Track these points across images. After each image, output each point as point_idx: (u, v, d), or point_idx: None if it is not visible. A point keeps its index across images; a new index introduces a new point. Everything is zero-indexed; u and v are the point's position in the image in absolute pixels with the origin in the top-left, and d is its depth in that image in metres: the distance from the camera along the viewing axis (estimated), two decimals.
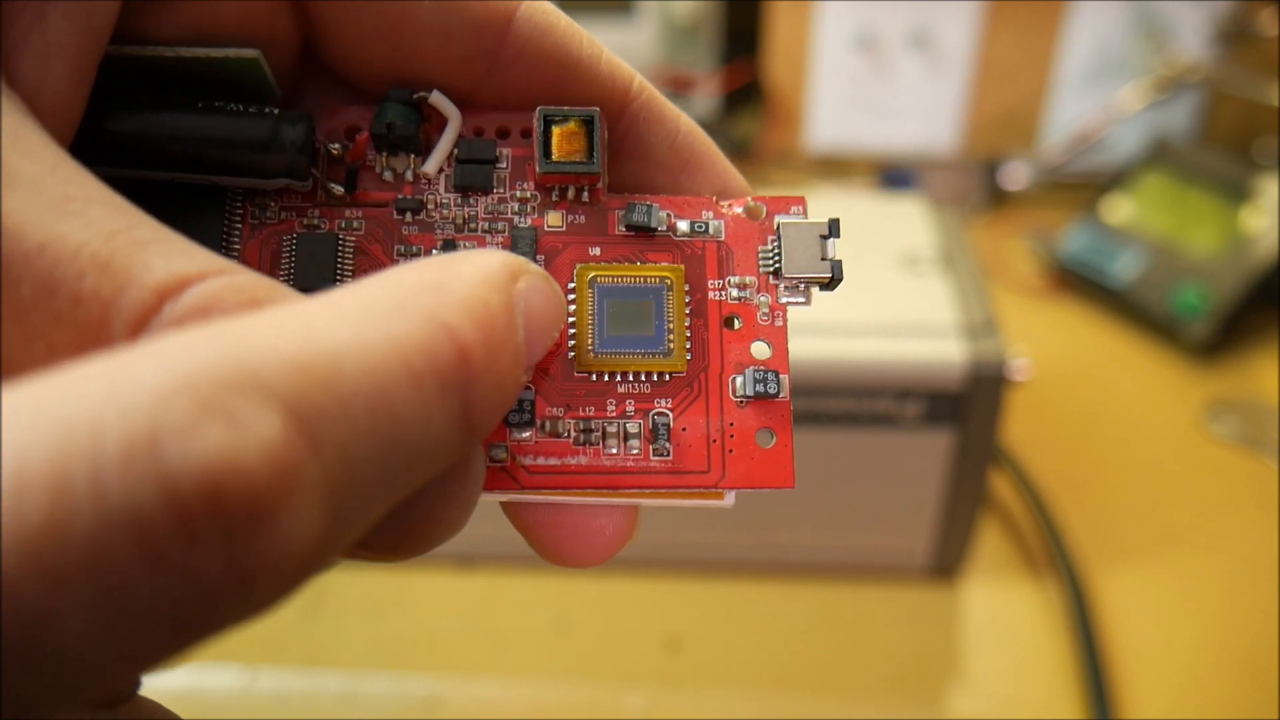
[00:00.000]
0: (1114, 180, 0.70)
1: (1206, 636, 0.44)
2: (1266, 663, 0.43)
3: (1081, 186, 0.74)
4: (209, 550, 0.10)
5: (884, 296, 0.43)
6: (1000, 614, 0.46)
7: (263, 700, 0.42)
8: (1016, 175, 0.76)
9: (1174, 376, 0.60)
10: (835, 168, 0.80)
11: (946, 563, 0.46)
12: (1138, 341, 0.63)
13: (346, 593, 0.47)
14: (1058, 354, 0.62)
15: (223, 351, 0.11)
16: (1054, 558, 0.47)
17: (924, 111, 0.79)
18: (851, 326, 0.41)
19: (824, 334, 0.40)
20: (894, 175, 0.78)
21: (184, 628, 0.10)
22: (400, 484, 0.12)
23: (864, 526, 0.45)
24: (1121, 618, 0.45)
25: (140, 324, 0.12)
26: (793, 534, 0.46)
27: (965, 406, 0.40)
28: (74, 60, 0.14)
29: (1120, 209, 0.68)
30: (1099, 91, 0.76)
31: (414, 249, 0.18)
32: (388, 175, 0.18)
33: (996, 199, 0.77)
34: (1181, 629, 0.45)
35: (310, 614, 0.46)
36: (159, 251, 0.13)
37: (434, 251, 0.18)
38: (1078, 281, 0.67)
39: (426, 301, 0.13)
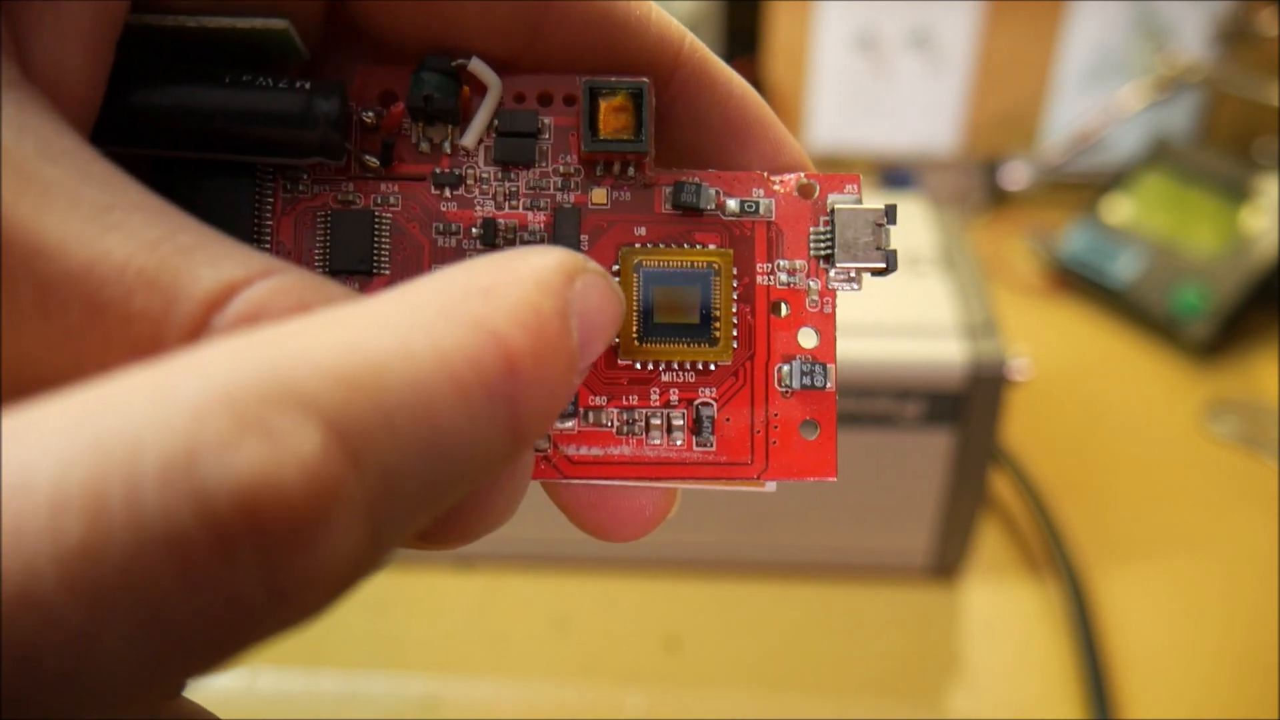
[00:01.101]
0: (1114, 180, 0.70)
1: (1206, 636, 0.44)
2: (1266, 663, 0.43)
3: (1081, 186, 0.74)
4: (246, 569, 0.10)
5: (884, 296, 0.43)
6: (1000, 614, 0.46)
7: (263, 700, 0.42)
8: (1016, 175, 0.76)
9: (1174, 376, 0.60)
10: (835, 167, 0.80)
11: (946, 563, 0.46)
12: (1138, 341, 0.63)
13: None
14: (1058, 354, 0.62)
15: (262, 363, 0.10)
16: (1054, 558, 0.47)
17: (924, 111, 0.78)
18: (851, 326, 0.41)
19: None
20: (894, 175, 0.78)
21: (221, 645, 0.10)
22: (445, 495, 0.12)
23: (864, 526, 0.45)
24: (1121, 618, 0.45)
25: (191, 338, 0.12)
26: (793, 534, 0.46)
27: (965, 406, 0.40)
28: (92, 42, 0.14)
29: (1120, 209, 0.68)
30: (1099, 91, 0.76)
31: (453, 226, 0.17)
32: (424, 146, 0.17)
33: (996, 199, 0.77)
34: (1181, 629, 0.45)
35: None
36: (204, 259, 0.13)
37: (473, 229, 0.17)
38: (1078, 281, 0.67)
39: (475, 308, 0.12)
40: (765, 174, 0.18)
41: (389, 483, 0.11)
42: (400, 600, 0.47)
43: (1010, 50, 0.76)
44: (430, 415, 0.11)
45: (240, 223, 0.16)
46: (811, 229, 0.17)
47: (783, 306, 0.17)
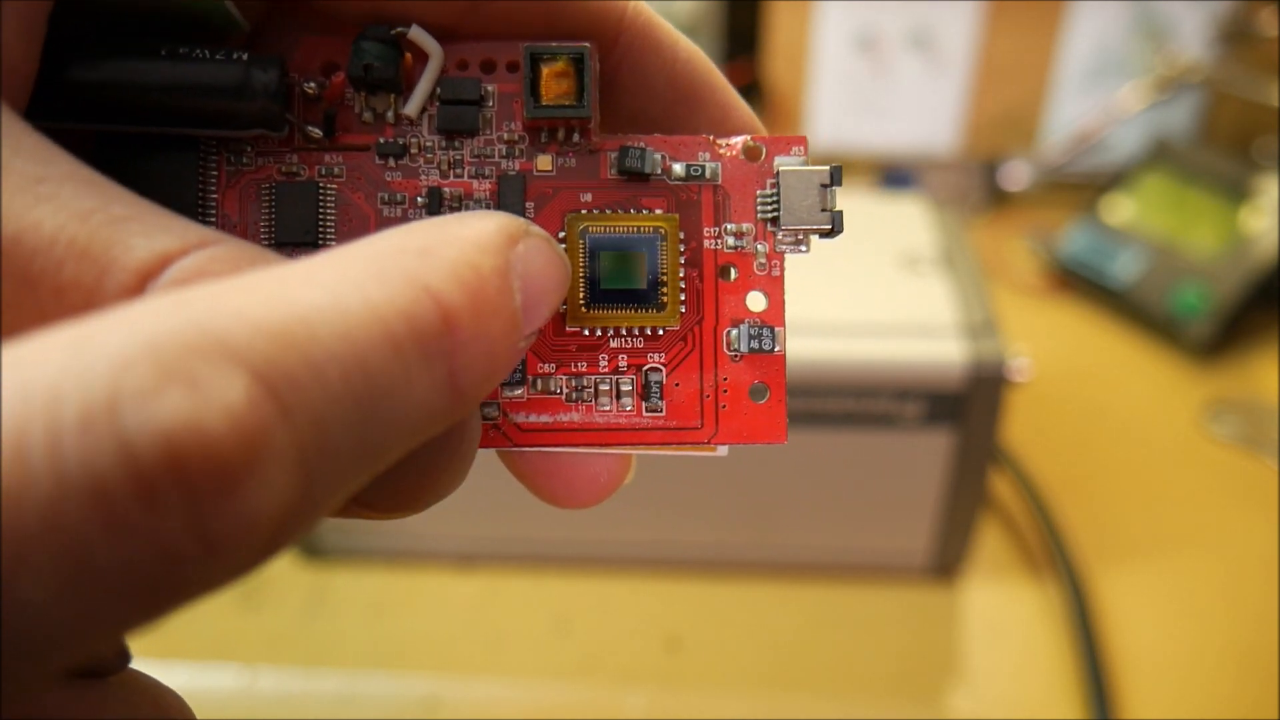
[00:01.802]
0: (1114, 180, 0.70)
1: (1206, 637, 0.44)
2: (1266, 663, 0.43)
3: (1081, 186, 0.74)
4: (171, 516, 0.10)
5: (884, 296, 0.43)
6: (1000, 614, 0.46)
7: (263, 700, 0.42)
8: (1016, 175, 0.76)
9: (1174, 376, 0.60)
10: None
11: (946, 563, 0.46)
12: (1138, 341, 0.63)
13: (346, 593, 0.47)
14: (1058, 354, 0.62)
15: (189, 316, 0.10)
16: (1054, 558, 0.47)
17: (924, 111, 0.78)
18: (851, 326, 0.41)
19: (824, 334, 0.40)
20: (894, 175, 0.78)
21: (150, 594, 0.10)
22: (383, 451, 0.12)
23: (864, 526, 0.45)
24: (1121, 618, 0.45)
25: None
26: (793, 534, 0.46)
27: (965, 406, 0.40)
28: (24, 15, 0.13)
29: (1120, 209, 0.68)
30: (1099, 91, 0.76)
31: (398, 196, 0.17)
32: (368, 116, 0.17)
33: (996, 199, 0.77)
34: (1181, 629, 0.45)
35: (310, 614, 0.46)
36: (138, 230, 0.12)
37: (418, 199, 0.17)
38: (1078, 281, 0.67)
39: (410, 265, 0.12)
40: (711, 137, 0.17)
41: (320, 434, 0.11)
42: (400, 600, 0.47)
43: (1010, 50, 0.76)
44: (362, 368, 0.11)
45: (185, 197, 0.16)
46: (758, 192, 0.17)
47: (731, 270, 0.17)
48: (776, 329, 0.17)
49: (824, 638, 0.45)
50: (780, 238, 0.17)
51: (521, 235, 0.14)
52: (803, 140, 0.17)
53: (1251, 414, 0.57)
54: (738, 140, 0.17)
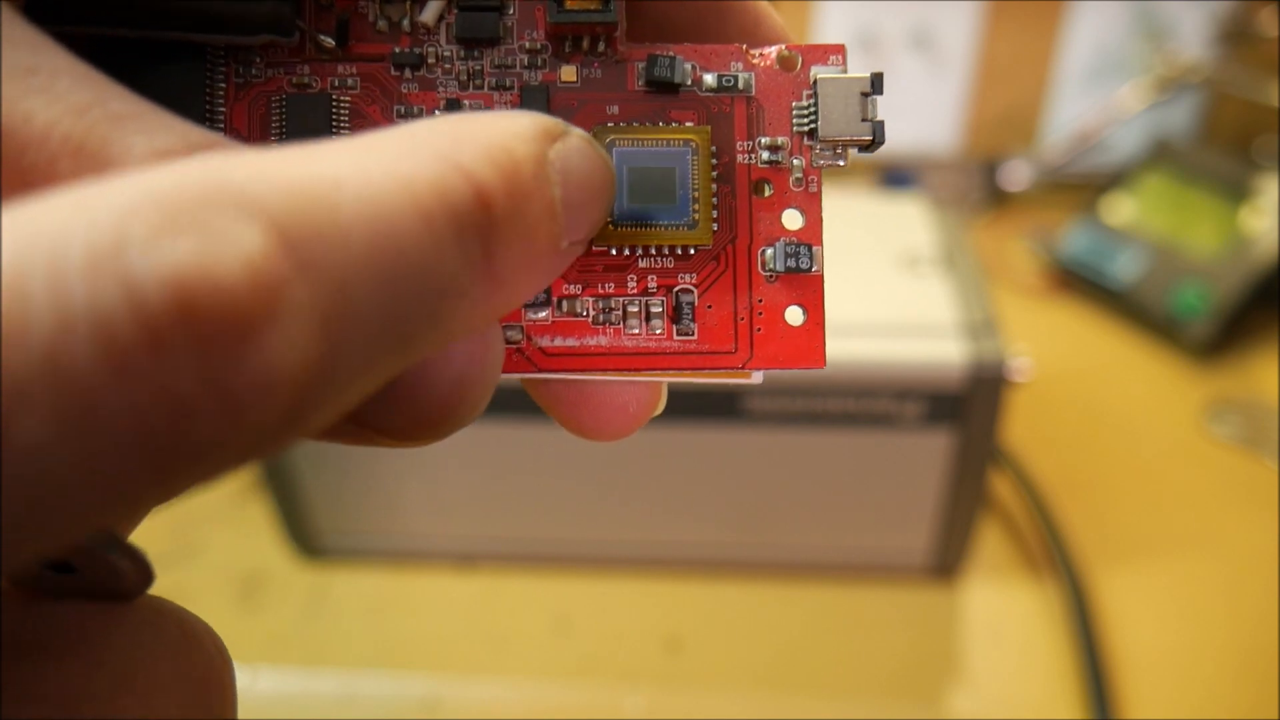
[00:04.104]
0: (1114, 180, 0.70)
1: (1206, 637, 0.44)
2: (1266, 663, 0.43)
3: (1081, 186, 0.74)
4: (183, 364, 0.09)
5: (884, 296, 0.43)
6: (1000, 614, 0.46)
7: (263, 700, 0.42)
8: (1016, 175, 0.76)
9: (1174, 376, 0.60)
10: (835, 167, 0.80)
11: (946, 563, 0.46)
12: (1138, 341, 0.63)
13: (346, 593, 0.47)
14: (1058, 354, 0.62)
15: (204, 171, 0.10)
16: (1054, 558, 0.47)
17: (924, 111, 0.78)
18: (851, 326, 0.41)
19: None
20: (894, 175, 0.78)
21: (162, 451, 0.09)
22: (415, 334, 0.11)
23: (864, 526, 0.45)
24: (1121, 618, 0.45)
25: None
26: (793, 534, 0.46)
27: (965, 407, 0.40)
28: None
29: (1120, 209, 0.68)
30: (1099, 91, 0.76)
31: (415, 109, 0.16)
32: (382, 24, 0.16)
33: (996, 199, 0.77)
34: (1181, 629, 0.45)
35: (310, 614, 0.46)
36: (137, 128, 0.12)
37: (436, 112, 0.16)
38: (1078, 282, 0.67)
39: (441, 145, 0.11)
40: (744, 47, 0.16)
41: (345, 298, 0.10)
42: (400, 600, 0.47)
43: (1010, 50, 0.76)
44: (389, 234, 0.10)
45: (191, 109, 0.16)
46: (794, 103, 0.16)
47: (765, 187, 0.16)
48: (814, 248, 0.16)
49: (824, 638, 0.45)
50: (818, 151, 0.16)
51: (560, 134, 0.13)
52: (841, 49, 0.17)
53: (1251, 414, 0.57)
54: (772, 50, 0.16)
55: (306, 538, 0.47)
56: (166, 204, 0.09)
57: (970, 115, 0.78)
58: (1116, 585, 0.46)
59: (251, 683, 0.43)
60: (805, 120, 0.16)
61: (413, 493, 0.46)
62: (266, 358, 0.09)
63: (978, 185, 0.77)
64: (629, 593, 0.47)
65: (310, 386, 0.10)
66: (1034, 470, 0.51)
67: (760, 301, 0.16)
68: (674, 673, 0.43)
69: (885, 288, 0.44)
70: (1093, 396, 0.59)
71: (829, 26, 0.76)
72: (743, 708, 0.42)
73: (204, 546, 0.48)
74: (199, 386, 0.09)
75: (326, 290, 0.10)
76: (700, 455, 0.43)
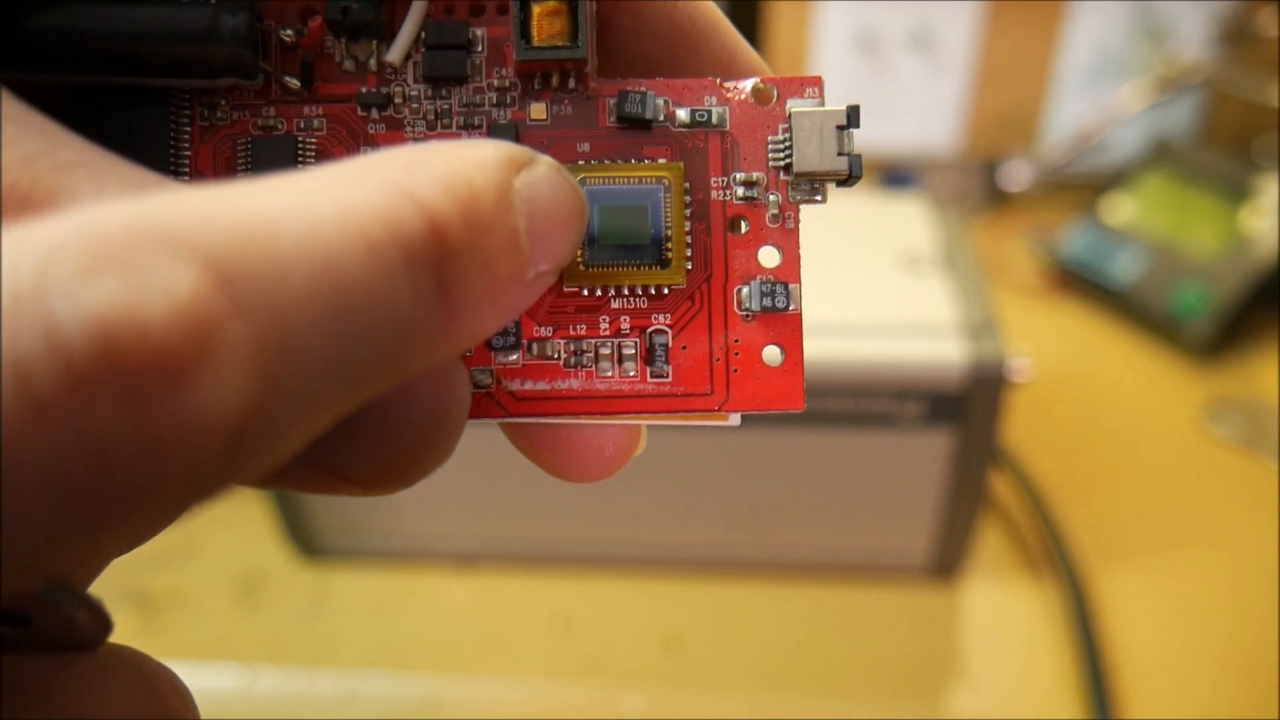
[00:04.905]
0: (1114, 180, 0.70)
1: (1206, 637, 0.44)
2: (1266, 663, 0.43)
3: (1081, 186, 0.74)
4: (104, 409, 0.09)
5: (884, 296, 0.43)
6: (1000, 614, 0.46)
7: (263, 700, 0.42)
8: (1016, 175, 0.76)
9: (1174, 376, 0.60)
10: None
11: (946, 563, 0.46)
12: (1138, 342, 0.63)
13: (346, 593, 0.47)
14: (1058, 354, 0.62)
15: (136, 210, 0.09)
16: (1054, 558, 0.47)
17: (924, 111, 0.78)
18: (851, 326, 0.41)
19: (823, 334, 0.40)
20: (894, 175, 0.78)
21: (86, 498, 0.09)
22: (366, 370, 0.11)
23: (864, 526, 0.45)
24: (1121, 618, 0.45)
25: None
26: (793, 534, 0.46)
27: (965, 407, 0.40)
28: None
29: (1120, 209, 0.68)
30: (1099, 91, 0.76)
31: (382, 149, 0.16)
32: (349, 65, 0.16)
33: (996, 199, 0.77)
34: (1181, 629, 0.45)
35: (310, 614, 0.46)
36: (86, 175, 0.11)
37: None
38: (1078, 282, 0.67)
39: (392, 174, 0.11)
40: (718, 80, 0.16)
41: (284, 337, 0.10)
42: (400, 600, 0.47)
43: (1010, 50, 0.76)
44: (332, 268, 0.10)
45: (157, 152, 0.15)
46: (769, 138, 0.16)
47: (741, 223, 0.16)
48: (791, 286, 0.16)
49: (824, 638, 0.45)
50: (794, 186, 0.16)
51: (526, 162, 0.12)
52: (818, 81, 0.16)
53: (1251, 414, 0.57)
54: (746, 83, 0.16)
55: (306, 538, 0.47)
56: (94, 242, 0.09)
57: (970, 115, 0.78)
58: (1116, 585, 0.46)
59: (251, 683, 0.43)
60: (781, 155, 0.16)
61: (412, 493, 0.46)
62: (197, 401, 0.09)
63: (978, 185, 0.77)
64: (628, 593, 0.47)
65: (247, 430, 0.10)
66: (1034, 470, 0.51)
67: (736, 341, 0.16)
68: (674, 673, 0.43)
69: (885, 288, 0.44)
70: (1093, 396, 0.59)
71: (829, 27, 0.76)
72: (742, 708, 0.42)
73: (204, 546, 0.48)
74: (123, 433, 0.09)
75: (265, 329, 0.10)
76: (700, 455, 0.43)
